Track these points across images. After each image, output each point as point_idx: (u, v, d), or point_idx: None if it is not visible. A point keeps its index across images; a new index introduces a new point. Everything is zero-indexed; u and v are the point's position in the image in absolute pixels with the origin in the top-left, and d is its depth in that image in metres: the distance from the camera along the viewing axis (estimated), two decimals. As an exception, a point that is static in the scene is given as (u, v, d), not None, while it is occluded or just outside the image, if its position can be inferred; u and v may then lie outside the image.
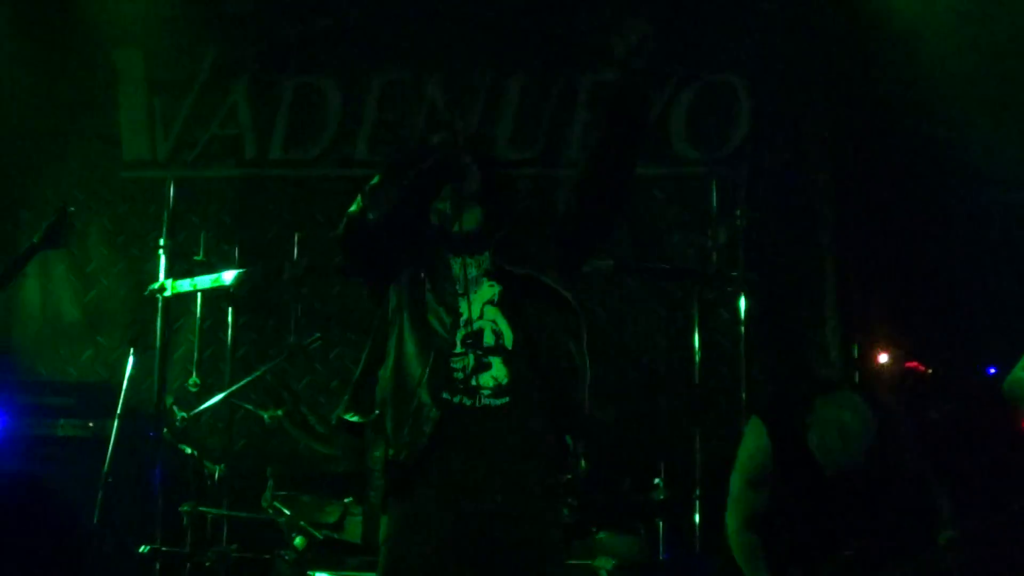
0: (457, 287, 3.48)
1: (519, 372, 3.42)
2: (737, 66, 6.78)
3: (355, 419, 3.54)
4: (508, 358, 3.43)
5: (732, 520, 4.54)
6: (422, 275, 3.49)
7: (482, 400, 3.40)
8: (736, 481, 4.56)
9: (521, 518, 3.37)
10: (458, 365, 3.41)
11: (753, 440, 4.51)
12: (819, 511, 4.39)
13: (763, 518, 4.47)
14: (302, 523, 5.15)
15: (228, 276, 5.55)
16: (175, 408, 5.42)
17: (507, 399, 3.40)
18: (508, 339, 3.45)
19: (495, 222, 3.63)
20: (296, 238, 5.77)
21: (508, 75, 6.78)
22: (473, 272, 3.53)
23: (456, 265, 3.52)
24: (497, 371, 3.42)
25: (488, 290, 3.52)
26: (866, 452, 4.31)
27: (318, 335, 5.62)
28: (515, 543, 3.36)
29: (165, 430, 5.35)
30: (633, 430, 6.16)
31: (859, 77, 6.61)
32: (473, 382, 3.40)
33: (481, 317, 3.47)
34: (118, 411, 5.17)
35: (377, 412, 3.48)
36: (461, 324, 3.44)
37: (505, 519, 3.35)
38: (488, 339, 3.45)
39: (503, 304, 3.49)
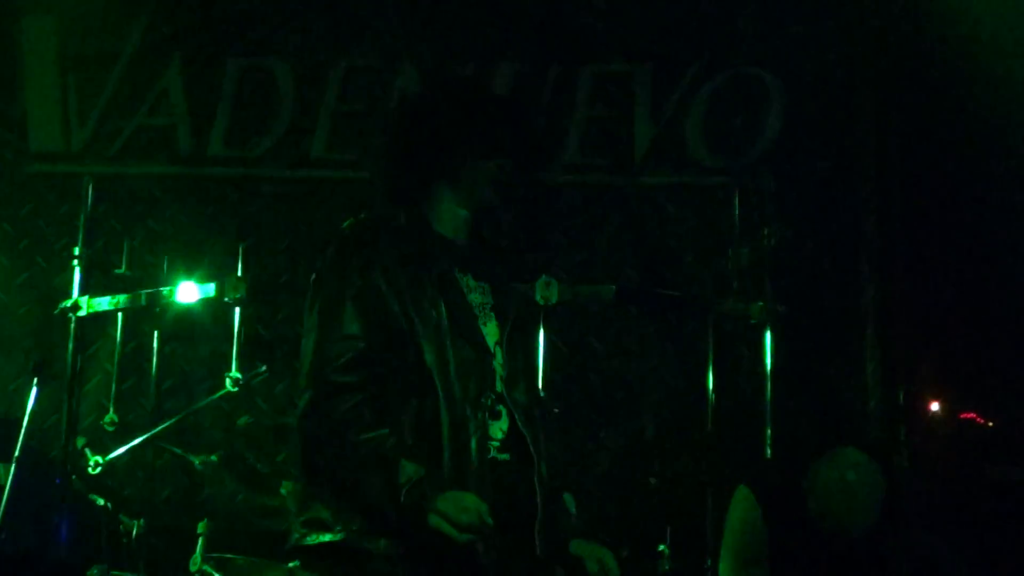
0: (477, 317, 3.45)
1: (522, 421, 3.43)
2: (767, 57, 6.81)
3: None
4: (514, 405, 3.43)
5: None
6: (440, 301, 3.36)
7: (491, 452, 3.37)
8: (726, 563, 4.63)
9: None
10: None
11: (741, 513, 4.59)
12: None
13: None
14: (238, 591, 5.15)
15: (156, 294, 5.52)
16: (87, 450, 5.36)
17: (508, 455, 3.40)
18: (511, 383, 3.47)
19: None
20: (240, 250, 5.68)
21: (496, 63, 6.77)
22: (478, 299, 3.48)
23: (468, 289, 3.45)
24: (504, 421, 3.41)
25: (495, 325, 3.49)
26: (873, 519, 4.36)
27: (263, 367, 5.60)
28: None
29: (74, 477, 5.33)
30: (633, 487, 6.14)
31: (911, 74, 6.65)
32: (490, 432, 3.39)
33: (493, 355, 3.46)
34: (16, 453, 5.10)
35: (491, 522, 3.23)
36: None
37: None
38: (498, 385, 3.43)
39: (503, 341, 3.48)
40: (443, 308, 3.30)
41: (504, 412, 3.41)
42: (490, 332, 3.45)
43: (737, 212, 6.02)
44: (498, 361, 3.43)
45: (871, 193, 6.65)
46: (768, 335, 5.76)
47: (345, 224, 3.43)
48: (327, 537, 3.26)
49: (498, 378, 3.42)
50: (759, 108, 6.77)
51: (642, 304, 6.44)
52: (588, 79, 6.83)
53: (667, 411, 6.48)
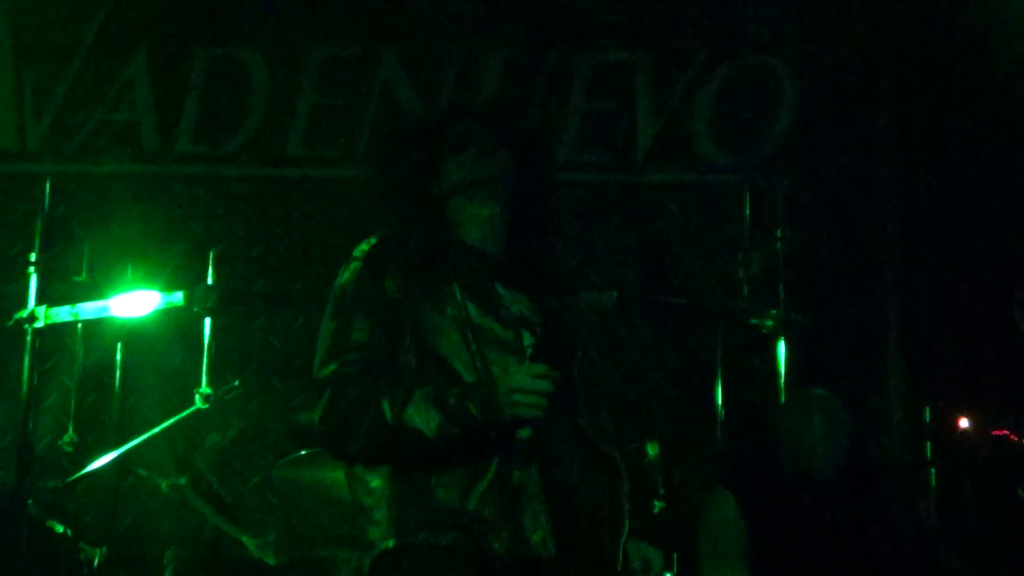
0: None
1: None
2: (779, 45, 6.85)
3: None
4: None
5: None
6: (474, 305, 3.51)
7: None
8: (705, 564, 4.75)
9: None
10: None
11: (715, 512, 4.71)
12: None
13: None
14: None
15: (119, 304, 5.41)
16: (44, 473, 5.52)
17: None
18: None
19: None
20: (210, 255, 5.67)
21: (487, 50, 6.79)
22: (510, 305, 3.60)
23: (499, 295, 3.56)
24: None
25: (528, 333, 3.58)
26: (839, 460, 4.60)
27: (236, 382, 5.61)
28: None
29: (30, 502, 5.27)
30: (637, 511, 6.12)
31: (935, 61, 6.69)
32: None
33: (523, 357, 3.60)
34: (-34, 478, 5.19)
35: None
36: None
37: None
38: None
39: (535, 345, 3.56)
40: (469, 306, 3.45)
41: None
42: (525, 337, 3.57)
43: (748, 213, 6.04)
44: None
45: (893, 191, 6.69)
46: (782, 346, 5.76)
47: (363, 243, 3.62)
48: (391, 543, 3.40)
49: None
50: (771, 100, 6.79)
51: (645, 312, 6.47)
52: (586, 69, 6.82)
53: (673, 428, 6.44)
